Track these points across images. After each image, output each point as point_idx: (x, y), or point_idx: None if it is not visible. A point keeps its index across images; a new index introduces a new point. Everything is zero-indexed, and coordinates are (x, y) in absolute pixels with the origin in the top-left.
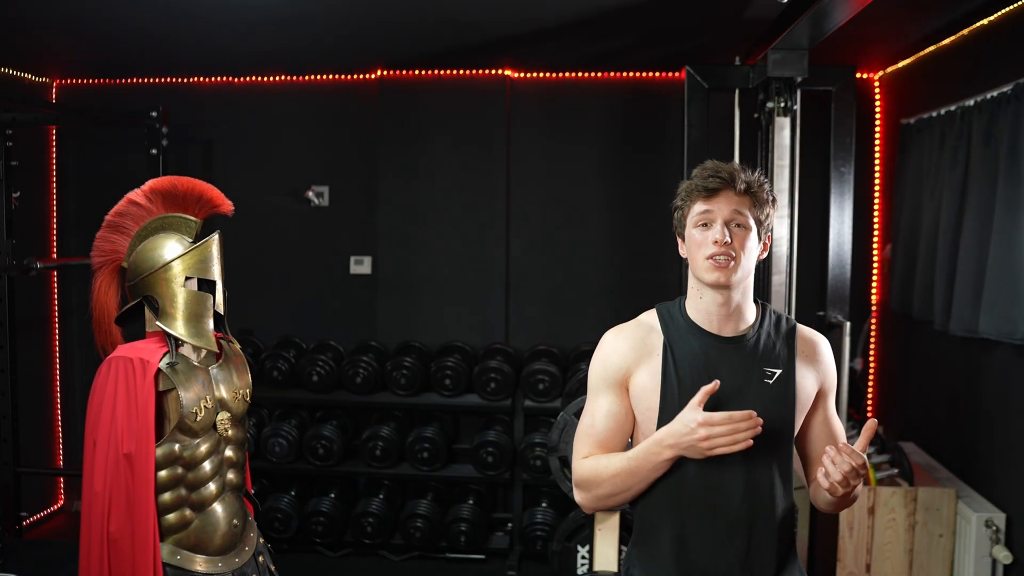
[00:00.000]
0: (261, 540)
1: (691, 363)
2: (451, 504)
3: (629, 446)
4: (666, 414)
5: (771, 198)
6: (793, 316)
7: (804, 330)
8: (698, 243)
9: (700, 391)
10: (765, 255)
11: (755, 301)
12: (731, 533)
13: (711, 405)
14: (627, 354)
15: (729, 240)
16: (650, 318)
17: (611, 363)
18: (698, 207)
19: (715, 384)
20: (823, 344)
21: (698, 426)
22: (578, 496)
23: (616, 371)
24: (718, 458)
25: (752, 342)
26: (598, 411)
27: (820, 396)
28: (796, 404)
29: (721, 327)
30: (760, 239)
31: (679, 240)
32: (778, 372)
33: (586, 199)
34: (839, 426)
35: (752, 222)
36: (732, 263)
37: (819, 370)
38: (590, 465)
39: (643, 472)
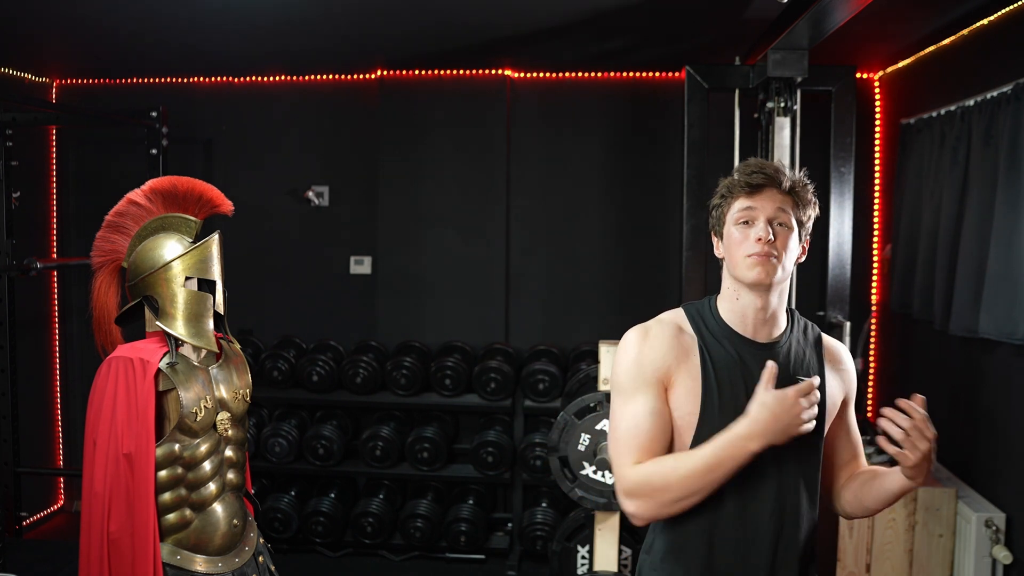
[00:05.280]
0: (261, 540)
1: (728, 367)
2: (451, 504)
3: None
4: (706, 420)
5: (814, 200)
6: None
7: (828, 339)
8: (738, 241)
9: (767, 369)
10: (803, 259)
11: None
12: (758, 539)
13: (741, 408)
14: (666, 353)
15: (772, 238)
16: (676, 318)
17: (649, 361)
18: (740, 203)
19: (773, 367)
20: (846, 353)
21: (796, 400)
22: (634, 505)
23: (656, 369)
24: (751, 465)
25: (785, 349)
26: (640, 412)
27: (844, 405)
28: (826, 412)
29: (756, 331)
30: (800, 241)
31: (715, 240)
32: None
33: (586, 199)
34: (858, 434)
35: (794, 222)
36: (774, 261)
37: (844, 379)
38: (651, 470)
39: (723, 470)
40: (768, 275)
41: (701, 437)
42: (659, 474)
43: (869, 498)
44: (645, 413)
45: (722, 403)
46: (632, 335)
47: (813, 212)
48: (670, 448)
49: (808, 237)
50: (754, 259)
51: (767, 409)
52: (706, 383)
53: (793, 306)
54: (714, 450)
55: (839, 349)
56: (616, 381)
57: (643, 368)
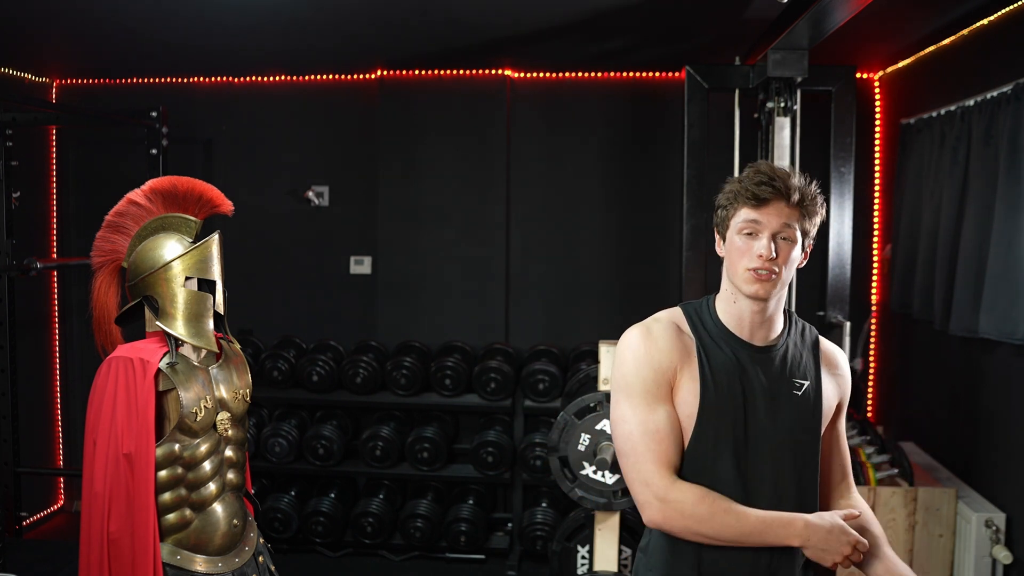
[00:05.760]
0: (261, 540)
1: (725, 370)
2: (451, 504)
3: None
4: (704, 422)
5: (820, 209)
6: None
7: (825, 342)
8: (740, 251)
9: (847, 513)
10: (805, 263)
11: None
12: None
13: (745, 413)
14: (672, 354)
15: (775, 255)
16: (675, 317)
17: (657, 363)
18: (745, 213)
19: (853, 516)
20: (843, 358)
21: (851, 544)
22: (661, 515)
23: (665, 371)
24: (748, 467)
25: (781, 352)
26: (661, 420)
27: (837, 410)
28: (822, 415)
29: (753, 334)
30: (803, 249)
31: (717, 237)
32: (806, 384)
33: (586, 199)
34: (846, 445)
35: (799, 234)
36: (773, 276)
37: (839, 384)
38: (700, 498)
39: (761, 540)
40: (767, 291)
41: (699, 438)
42: (707, 508)
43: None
44: (665, 420)
45: (719, 405)
46: (634, 335)
47: (819, 218)
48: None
49: (811, 242)
50: (752, 275)
51: (826, 530)
52: (704, 385)
53: (793, 307)
54: (767, 521)
55: (836, 354)
56: (625, 382)
57: (655, 371)
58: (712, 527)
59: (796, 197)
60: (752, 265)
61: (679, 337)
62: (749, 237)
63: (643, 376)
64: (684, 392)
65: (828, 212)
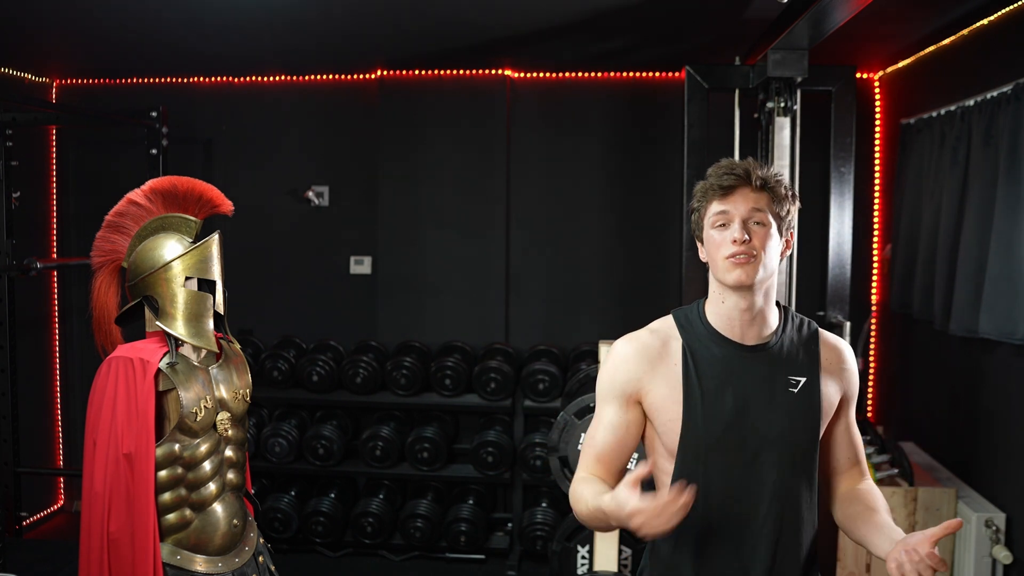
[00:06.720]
0: (261, 540)
1: (713, 372)
2: (451, 504)
3: (642, 455)
4: (690, 425)
5: (790, 194)
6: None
7: (827, 336)
8: (717, 244)
9: (634, 474)
10: (789, 252)
11: (776, 304)
12: (755, 545)
13: (737, 415)
14: (638, 366)
15: (748, 238)
16: (665, 325)
17: (619, 375)
18: (715, 207)
19: (690, 494)
20: (847, 351)
21: (630, 515)
22: (576, 515)
23: (624, 384)
24: (744, 469)
25: (775, 349)
26: (602, 424)
27: (842, 404)
28: (821, 413)
29: (744, 333)
30: (782, 235)
31: (699, 244)
32: (802, 380)
33: (586, 199)
34: (858, 435)
35: (771, 218)
36: (753, 260)
37: (843, 378)
38: (578, 489)
39: (609, 523)
40: (749, 276)
41: (686, 443)
42: (578, 496)
43: (857, 534)
44: (604, 426)
45: (706, 409)
46: (617, 345)
47: (791, 206)
48: (658, 453)
49: (792, 230)
50: (732, 262)
51: (616, 504)
52: (688, 390)
53: (793, 308)
54: (604, 505)
55: (839, 347)
56: (597, 387)
57: (614, 382)
58: (582, 516)
59: (759, 182)
60: (728, 252)
61: (662, 346)
62: (722, 228)
63: (604, 387)
64: (658, 399)
65: (828, 212)
